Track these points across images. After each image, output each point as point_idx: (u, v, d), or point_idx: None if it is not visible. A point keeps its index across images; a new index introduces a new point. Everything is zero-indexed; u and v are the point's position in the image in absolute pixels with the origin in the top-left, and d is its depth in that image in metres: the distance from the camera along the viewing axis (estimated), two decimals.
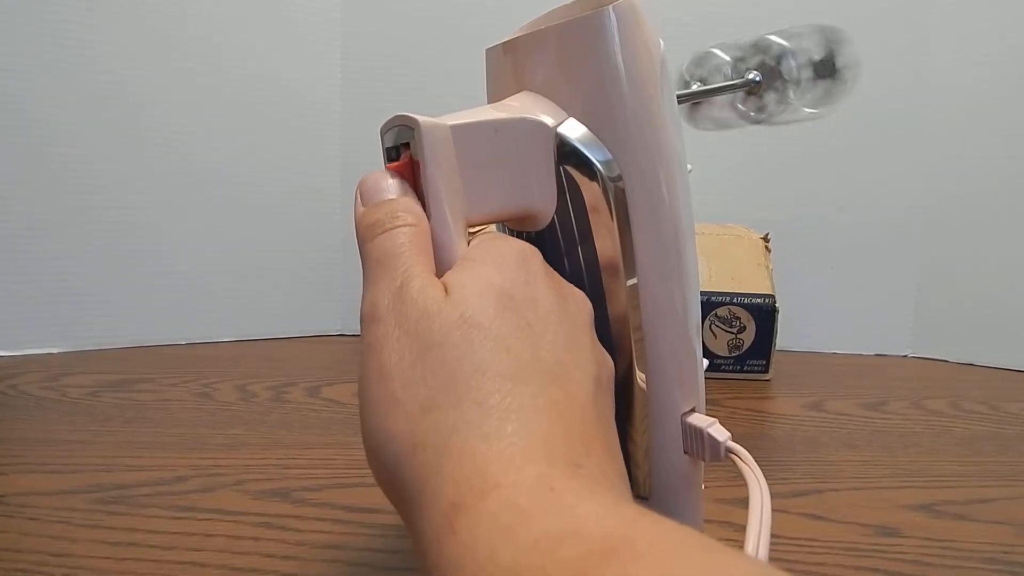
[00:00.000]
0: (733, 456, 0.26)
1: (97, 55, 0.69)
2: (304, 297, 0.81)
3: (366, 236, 0.23)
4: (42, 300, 0.68)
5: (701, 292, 0.66)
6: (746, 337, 0.65)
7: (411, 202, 0.23)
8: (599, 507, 0.16)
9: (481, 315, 0.20)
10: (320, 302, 0.81)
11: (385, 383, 0.20)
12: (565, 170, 0.25)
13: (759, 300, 0.64)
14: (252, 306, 0.78)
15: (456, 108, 0.26)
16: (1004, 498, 0.38)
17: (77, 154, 0.69)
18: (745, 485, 0.24)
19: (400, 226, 0.22)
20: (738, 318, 0.64)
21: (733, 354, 0.65)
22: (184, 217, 0.74)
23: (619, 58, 0.25)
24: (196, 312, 0.75)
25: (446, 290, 0.21)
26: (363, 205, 0.23)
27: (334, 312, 0.82)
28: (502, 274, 0.22)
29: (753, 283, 0.65)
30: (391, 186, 0.23)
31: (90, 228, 0.70)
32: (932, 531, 0.33)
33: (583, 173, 0.25)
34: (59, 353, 0.68)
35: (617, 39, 0.25)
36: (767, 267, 0.68)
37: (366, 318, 0.21)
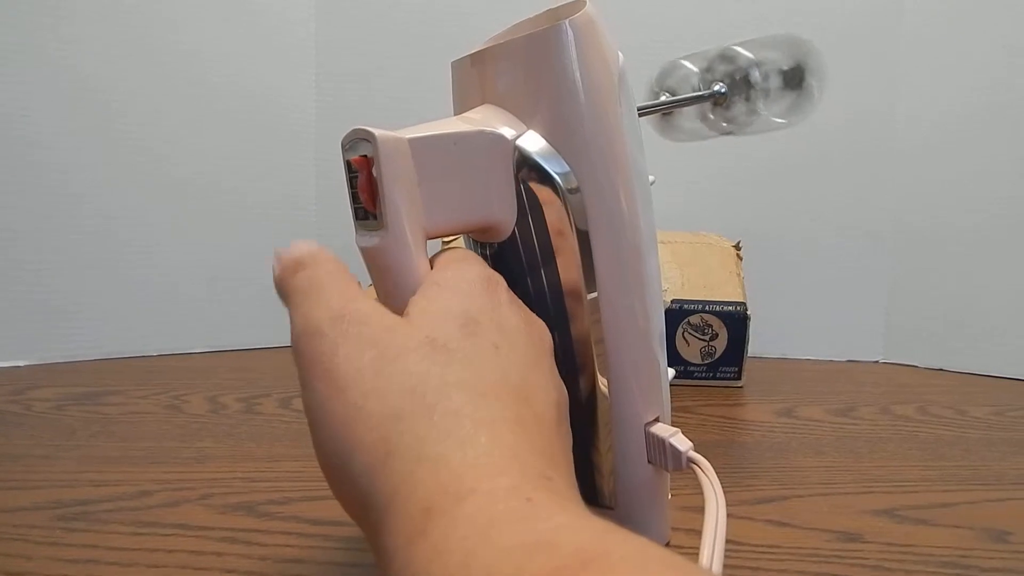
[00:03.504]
0: (694, 466, 0.27)
1: (73, 62, 0.68)
2: (278, 307, 0.80)
3: (285, 275, 0.23)
4: (9, 311, 0.67)
5: (674, 300, 0.67)
6: (718, 344, 0.65)
7: (327, 250, 0.23)
8: (572, 519, 0.16)
9: (446, 338, 0.20)
10: None
11: (344, 394, 0.19)
12: (524, 182, 0.25)
13: (731, 308, 0.65)
14: (225, 316, 0.77)
15: (429, 117, 0.26)
16: (965, 502, 0.39)
17: (48, 162, 0.68)
18: None
19: (322, 262, 0.23)
20: (710, 326, 0.65)
21: (706, 361, 0.66)
22: (156, 226, 0.74)
23: (576, 71, 0.25)
24: (167, 323, 0.74)
25: (407, 315, 0.21)
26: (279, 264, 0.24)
27: None
28: (467, 300, 0.22)
29: (725, 291, 0.66)
30: (305, 244, 0.24)
31: (59, 237, 0.69)
32: (893, 536, 0.34)
33: (542, 185, 0.25)
34: (26, 366, 0.67)
35: (574, 53, 0.25)
36: (739, 275, 0.69)
37: (303, 335, 0.21)
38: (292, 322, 0.22)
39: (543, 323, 0.25)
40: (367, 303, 0.21)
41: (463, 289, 0.23)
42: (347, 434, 0.19)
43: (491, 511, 0.16)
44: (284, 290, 0.23)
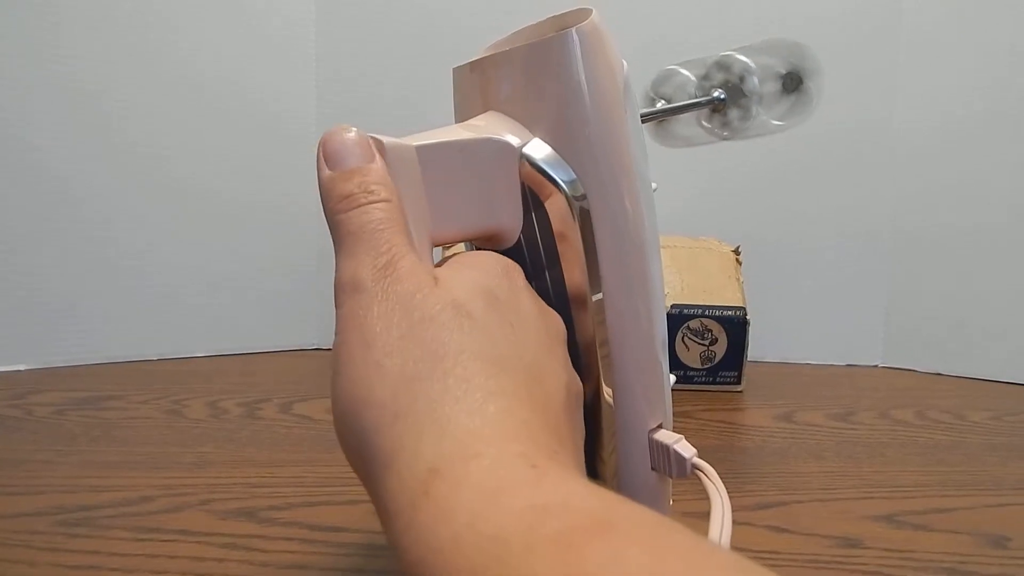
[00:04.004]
0: (698, 473, 0.27)
1: (73, 66, 0.68)
2: (280, 311, 0.80)
3: (339, 207, 0.22)
4: (9, 315, 0.67)
5: (673, 305, 0.67)
6: (718, 349, 0.65)
7: (383, 173, 0.22)
8: (581, 488, 0.16)
9: (471, 305, 0.21)
10: (296, 316, 0.81)
11: (369, 351, 0.20)
12: (530, 189, 0.26)
13: (730, 312, 0.65)
14: (227, 320, 0.77)
15: (430, 122, 0.26)
16: (963, 507, 0.39)
17: (47, 166, 0.68)
18: None
19: (376, 201, 0.22)
20: (710, 330, 0.65)
21: (706, 366, 0.66)
22: (158, 230, 0.74)
23: (582, 79, 0.25)
24: (169, 327, 0.74)
25: (436, 281, 0.21)
26: (329, 168, 0.23)
27: (310, 326, 0.81)
28: (488, 277, 0.22)
29: (724, 295, 0.66)
30: (358, 148, 0.22)
31: (59, 241, 0.69)
32: (892, 541, 0.34)
33: (548, 192, 0.25)
34: (26, 370, 0.66)
35: (580, 60, 0.25)
36: (738, 279, 0.69)
37: (346, 287, 0.21)
38: (337, 266, 0.22)
39: (556, 314, 0.25)
40: (408, 260, 0.21)
41: (485, 269, 0.23)
42: (362, 390, 0.19)
43: (498, 475, 0.16)
44: (332, 223, 0.22)
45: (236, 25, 0.76)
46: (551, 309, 0.25)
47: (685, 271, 0.68)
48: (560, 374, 0.23)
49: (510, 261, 0.25)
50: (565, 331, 0.25)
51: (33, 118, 0.67)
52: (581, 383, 0.25)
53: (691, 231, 0.75)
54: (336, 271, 0.22)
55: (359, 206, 0.22)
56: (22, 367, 0.67)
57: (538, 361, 0.22)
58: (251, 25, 0.76)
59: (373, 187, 0.22)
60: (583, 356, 0.27)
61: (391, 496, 0.17)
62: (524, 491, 0.16)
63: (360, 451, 0.19)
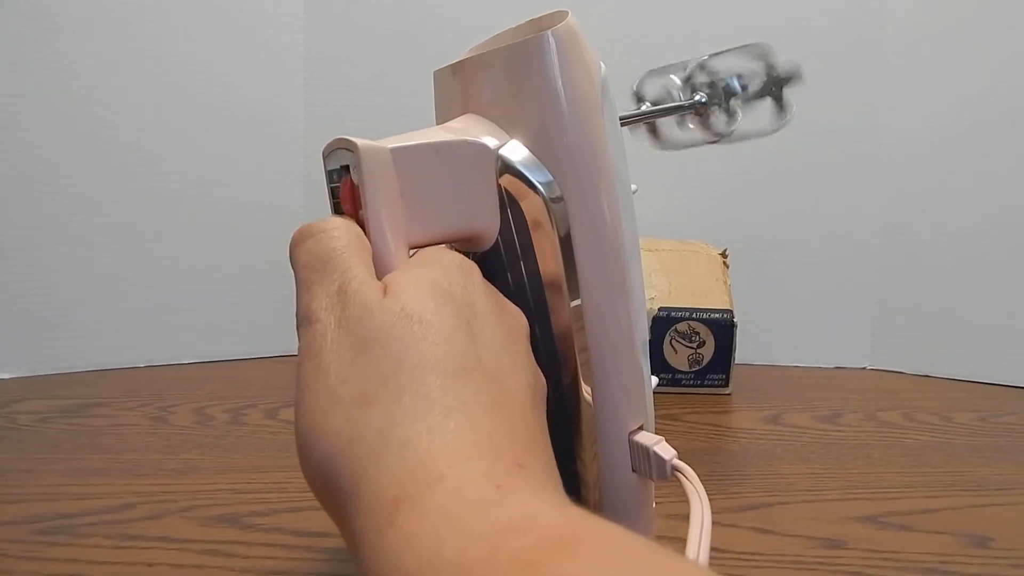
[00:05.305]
0: (678, 475, 0.27)
1: (64, 74, 0.68)
2: (268, 317, 0.80)
3: (293, 244, 0.22)
4: None
5: (661, 308, 0.67)
6: (706, 352, 0.65)
7: (343, 220, 0.23)
8: (546, 505, 0.16)
9: (421, 308, 0.20)
10: (284, 322, 0.80)
11: (322, 381, 0.19)
12: (507, 191, 0.26)
13: (718, 315, 0.65)
14: (215, 327, 0.77)
15: (416, 126, 0.26)
16: (947, 508, 0.39)
17: (35, 173, 0.67)
18: None
19: (331, 229, 0.22)
20: (697, 333, 0.65)
21: (693, 369, 0.66)
22: (146, 236, 0.73)
23: (558, 81, 0.25)
24: (157, 333, 0.74)
25: (385, 289, 0.21)
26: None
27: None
28: (440, 274, 0.22)
29: (712, 298, 0.66)
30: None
31: (48, 248, 0.68)
32: (876, 542, 0.34)
33: (525, 194, 0.25)
34: (11, 378, 0.66)
35: (556, 63, 0.25)
36: (725, 282, 0.69)
37: (302, 321, 0.21)
38: (297, 303, 0.22)
39: (519, 310, 0.25)
40: (357, 281, 0.21)
41: (438, 265, 0.23)
42: (317, 420, 0.19)
43: (461, 497, 0.16)
44: (291, 261, 0.22)
45: (226, 34, 0.75)
46: (511, 304, 0.25)
47: (673, 274, 0.68)
48: (523, 373, 0.22)
49: (467, 260, 0.24)
50: (528, 327, 0.25)
51: (22, 125, 0.66)
52: (545, 382, 0.24)
53: (679, 234, 0.76)
54: (296, 307, 0.22)
55: (311, 238, 0.22)
56: (6, 376, 0.66)
57: (498, 361, 0.21)
58: (241, 34, 0.76)
59: (330, 225, 0.22)
60: (562, 361, 0.27)
61: (358, 523, 0.17)
62: (488, 512, 0.16)
63: (321, 481, 0.19)
